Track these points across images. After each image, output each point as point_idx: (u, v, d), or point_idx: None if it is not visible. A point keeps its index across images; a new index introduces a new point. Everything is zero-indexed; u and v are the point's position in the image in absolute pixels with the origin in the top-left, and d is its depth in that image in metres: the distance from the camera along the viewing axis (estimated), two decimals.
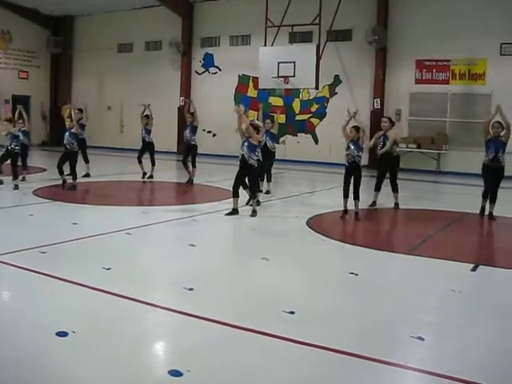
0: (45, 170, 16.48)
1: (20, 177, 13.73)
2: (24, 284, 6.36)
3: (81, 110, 15.75)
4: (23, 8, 26.15)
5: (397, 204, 12.07)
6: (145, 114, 15.63)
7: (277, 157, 13.95)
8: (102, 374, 4.20)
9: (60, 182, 13.39)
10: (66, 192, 12.93)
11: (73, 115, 13.49)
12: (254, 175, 10.91)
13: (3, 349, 4.56)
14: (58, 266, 6.84)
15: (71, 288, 6.11)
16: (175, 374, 4.17)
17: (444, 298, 6.32)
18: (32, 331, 4.92)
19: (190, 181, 14.96)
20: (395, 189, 12.10)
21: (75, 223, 9.66)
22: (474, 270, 7.42)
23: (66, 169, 13.34)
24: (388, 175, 12.13)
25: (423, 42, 19.72)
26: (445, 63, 19.64)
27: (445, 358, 4.69)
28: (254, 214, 10.68)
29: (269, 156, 13.27)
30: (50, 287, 6.19)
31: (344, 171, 10.88)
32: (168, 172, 15.06)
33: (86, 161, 15.62)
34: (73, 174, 13.20)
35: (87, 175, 15.47)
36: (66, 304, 5.63)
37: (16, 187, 12.83)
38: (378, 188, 12.12)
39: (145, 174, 15.63)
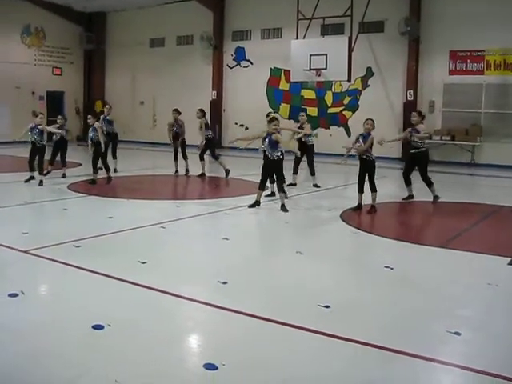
0: (80, 164, 16.64)
1: (60, 171, 14.24)
2: (60, 278, 6.44)
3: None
4: (56, 5, 26.43)
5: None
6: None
7: None
8: (137, 367, 4.22)
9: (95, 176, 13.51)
10: (100, 186, 13.04)
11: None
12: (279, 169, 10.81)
13: (40, 342, 4.61)
14: (94, 260, 6.91)
15: (107, 282, 6.16)
16: (210, 367, 4.18)
17: (480, 292, 6.23)
18: (68, 324, 4.97)
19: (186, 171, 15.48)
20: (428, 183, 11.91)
21: (110, 217, 9.75)
22: (511, 263, 7.30)
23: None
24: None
25: (457, 32, 19.43)
26: (479, 53, 19.33)
27: (482, 353, 4.63)
28: (282, 208, 10.59)
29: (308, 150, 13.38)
30: (85, 281, 6.25)
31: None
32: (200, 166, 15.08)
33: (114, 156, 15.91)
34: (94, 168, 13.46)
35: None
36: (102, 297, 5.69)
37: (40, 183, 12.91)
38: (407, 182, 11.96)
39: (177, 171, 15.65)
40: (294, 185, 13.53)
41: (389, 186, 13.83)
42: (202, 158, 15.11)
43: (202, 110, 15.14)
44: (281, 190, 10.72)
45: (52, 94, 27.28)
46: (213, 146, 15.42)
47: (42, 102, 26.72)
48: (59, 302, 5.64)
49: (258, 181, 10.92)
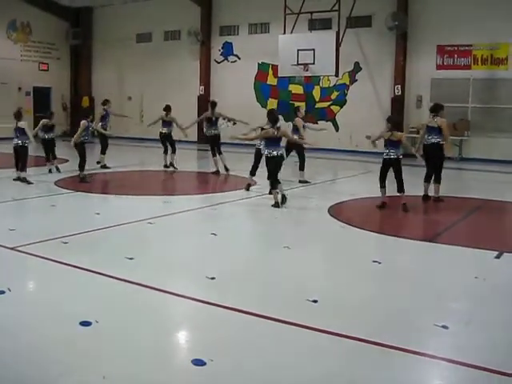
0: (67, 160, 16.53)
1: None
2: (47, 274, 6.40)
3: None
4: (42, 0, 26.20)
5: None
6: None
7: None
8: (124, 364, 4.21)
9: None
10: (87, 182, 12.96)
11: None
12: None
13: (27, 338, 4.58)
14: (81, 256, 6.87)
15: (94, 278, 6.13)
16: (198, 363, 4.17)
17: (468, 285, 6.26)
18: (55, 321, 4.94)
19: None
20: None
21: (97, 213, 9.70)
22: (498, 257, 7.33)
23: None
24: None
25: (444, 26, 19.45)
26: (466, 48, 19.37)
27: (469, 346, 4.64)
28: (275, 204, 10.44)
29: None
30: (72, 277, 6.22)
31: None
32: (188, 162, 15.06)
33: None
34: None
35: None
36: (89, 294, 5.66)
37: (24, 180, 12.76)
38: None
39: (166, 165, 15.75)
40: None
41: (375, 181, 13.85)
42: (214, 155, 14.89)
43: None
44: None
45: (39, 90, 27.07)
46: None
47: (29, 98, 26.52)
48: (46, 298, 5.61)
49: (246, 176, 10.92)
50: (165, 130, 15.57)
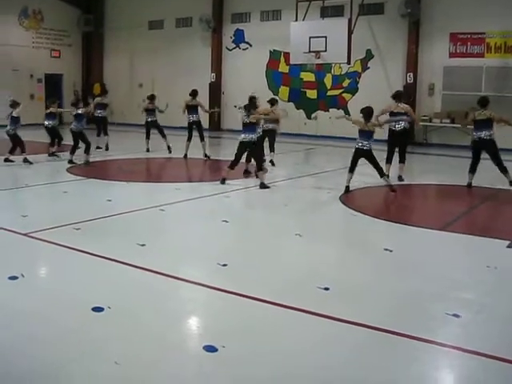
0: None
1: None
2: (59, 260, 6.45)
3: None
4: None
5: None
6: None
7: (309, 133, 13.96)
8: (136, 350, 4.24)
9: (94, 159, 13.53)
10: (99, 169, 13.02)
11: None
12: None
13: (40, 324, 4.62)
14: (93, 243, 6.91)
15: (106, 264, 6.17)
16: (210, 349, 4.19)
17: (479, 274, 6.24)
18: (68, 307, 4.98)
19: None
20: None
21: (109, 200, 9.74)
22: (510, 246, 7.30)
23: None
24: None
25: (457, 14, 19.25)
26: (480, 36, 19.17)
27: (480, 335, 4.64)
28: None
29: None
30: (84, 263, 6.26)
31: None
32: (199, 148, 15.08)
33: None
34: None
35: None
36: (102, 280, 5.70)
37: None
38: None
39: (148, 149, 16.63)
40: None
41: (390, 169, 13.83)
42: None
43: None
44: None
45: (50, 77, 27.10)
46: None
47: (41, 85, 26.58)
48: (59, 284, 5.65)
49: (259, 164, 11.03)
50: (150, 119, 16.52)
